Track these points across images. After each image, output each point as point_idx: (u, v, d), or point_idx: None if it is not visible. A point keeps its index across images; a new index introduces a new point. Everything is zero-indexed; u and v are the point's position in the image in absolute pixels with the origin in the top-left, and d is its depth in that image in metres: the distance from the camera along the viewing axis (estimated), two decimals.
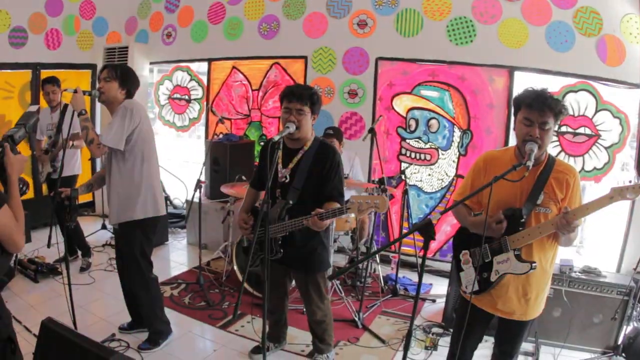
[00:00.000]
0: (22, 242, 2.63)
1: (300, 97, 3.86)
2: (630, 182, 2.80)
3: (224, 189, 6.61)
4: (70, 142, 6.07)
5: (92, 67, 9.54)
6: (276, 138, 3.50)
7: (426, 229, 2.53)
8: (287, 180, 3.99)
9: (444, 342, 5.01)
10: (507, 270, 3.18)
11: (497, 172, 2.91)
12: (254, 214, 4.30)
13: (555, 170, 3.16)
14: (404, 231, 7.07)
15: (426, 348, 5.00)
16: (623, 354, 4.86)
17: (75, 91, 4.15)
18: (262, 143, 8.43)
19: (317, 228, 3.72)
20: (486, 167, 3.35)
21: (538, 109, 2.99)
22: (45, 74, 9.10)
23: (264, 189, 4.10)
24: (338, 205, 3.74)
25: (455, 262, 3.58)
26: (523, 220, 3.14)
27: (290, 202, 3.91)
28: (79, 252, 6.76)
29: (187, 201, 8.33)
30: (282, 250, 4.02)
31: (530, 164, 2.90)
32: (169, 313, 5.04)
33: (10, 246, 2.57)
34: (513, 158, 3.23)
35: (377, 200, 3.48)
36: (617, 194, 2.82)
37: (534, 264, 3.11)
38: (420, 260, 5.64)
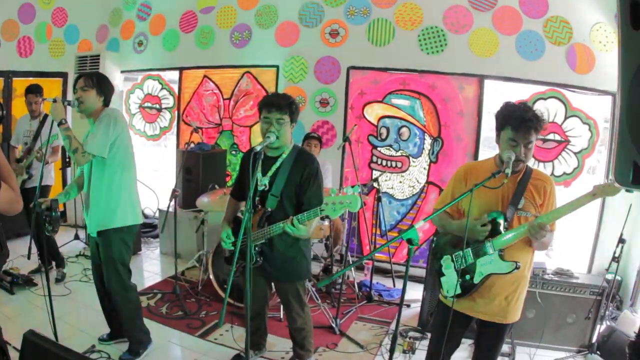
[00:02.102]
0: (21, 206, 2.77)
1: (280, 107, 3.74)
2: (610, 180, 2.85)
3: (198, 202, 6.37)
4: (44, 151, 5.80)
5: (63, 75, 9.12)
6: (258, 148, 3.36)
7: (412, 237, 2.54)
8: (266, 188, 3.87)
9: (422, 346, 4.97)
10: (492, 270, 3.18)
11: (477, 181, 2.98)
12: (235, 224, 4.18)
13: (534, 178, 3.25)
14: (377, 238, 6.94)
15: (404, 352, 4.95)
16: (598, 352, 4.87)
17: (55, 101, 4.01)
18: (233, 152, 8.26)
19: (294, 233, 3.61)
20: (466, 177, 3.37)
21: (524, 132, 3.04)
22: (17, 82, 8.78)
23: (244, 198, 4.07)
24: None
25: (435, 267, 3.55)
26: (506, 224, 3.17)
27: (269, 209, 3.81)
28: (53, 263, 6.45)
29: (158, 210, 8.14)
30: (261, 258, 3.91)
31: (509, 171, 2.93)
32: (147, 323, 4.83)
33: (12, 213, 2.73)
34: (493, 168, 3.22)
35: (350, 199, 3.36)
36: (599, 191, 2.91)
37: (518, 264, 3.12)
38: (394, 267, 5.39)
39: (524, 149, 3.07)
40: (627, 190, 2.18)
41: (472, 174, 3.34)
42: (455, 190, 3.40)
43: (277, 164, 3.88)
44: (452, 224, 3.42)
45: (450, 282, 3.36)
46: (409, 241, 2.55)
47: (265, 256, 3.92)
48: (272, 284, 4.43)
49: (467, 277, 3.27)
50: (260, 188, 3.88)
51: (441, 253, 3.51)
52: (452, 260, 3.38)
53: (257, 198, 3.89)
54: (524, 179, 3.23)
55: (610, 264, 5.09)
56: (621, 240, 5.04)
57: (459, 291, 3.28)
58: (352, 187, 3.23)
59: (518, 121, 3.04)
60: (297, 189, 3.83)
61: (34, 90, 6.25)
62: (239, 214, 4.29)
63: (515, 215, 3.19)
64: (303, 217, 3.56)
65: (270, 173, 3.87)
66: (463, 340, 3.63)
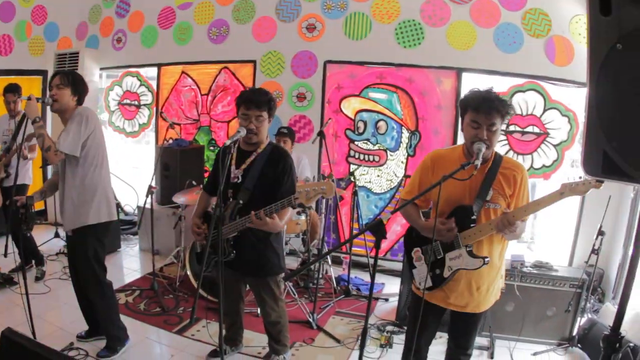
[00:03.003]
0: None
1: (259, 104, 3.72)
2: (580, 178, 2.80)
3: (175, 198, 6.29)
4: (25, 152, 5.88)
5: (42, 73, 8.94)
6: (227, 142, 3.40)
7: (377, 229, 2.50)
8: (239, 181, 3.84)
9: (399, 340, 4.92)
10: (460, 265, 3.12)
11: (445, 171, 2.84)
12: (206, 218, 4.13)
13: (503, 167, 3.12)
14: (355, 232, 6.81)
15: (381, 346, 4.90)
16: (579, 345, 4.84)
17: (29, 98, 3.95)
18: (212, 148, 8.12)
19: (262, 226, 3.58)
20: (434, 166, 3.26)
21: (485, 112, 2.93)
22: None
23: (216, 193, 4.02)
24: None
25: (407, 259, 3.48)
26: (474, 217, 3.08)
27: (241, 201, 3.77)
28: (33, 262, 6.33)
29: (138, 207, 7.95)
30: (234, 252, 3.85)
31: (478, 162, 2.83)
32: (125, 320, 4.76)
33: None
34: (461, 156, 3.15)
35: (324, 186, 3.34)
36: (567, 190, 2.82)
37: (486, 259, 3.06)
38: (372, 261, 5.23)
39: (487, 132, 2.94)
40: (597, 181, 2.24)
41: (439, 163, 3.23)
42: (422, 179, 3.30)
43: (252, 157, 3.85)
44: (418, 222, 3.33)
45: (421, 274, 3.29)
46: (376, 234, 2.51)
47: (237, 250, 3.85)
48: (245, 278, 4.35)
49: (437, 271, 3.21)
50: (233, 181, 3.85)
51: (412, 245, 3.41)
52: (422, 253, 3.31)
53: (230, 190, 3.85)
54: (493, 169, 3.10)
55: (589, 256, 5.03)
56: (600, 233, 4.97)
57: (430, 284, 3.23)
58: (327, 175, 3.15)
59: (478, 101, 2.95)
60: (271, 183, 3.78)
61: (12, 90, 6.13)
62: (209, 209, 4.23)
63: (483, 207, 3.09)
64: (274, 208, 3.51)
65: (244, 166, 3.84)
66: (440, 334, 3.60)
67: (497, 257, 3.20)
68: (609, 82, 1.81)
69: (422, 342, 3.44)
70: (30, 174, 6.55)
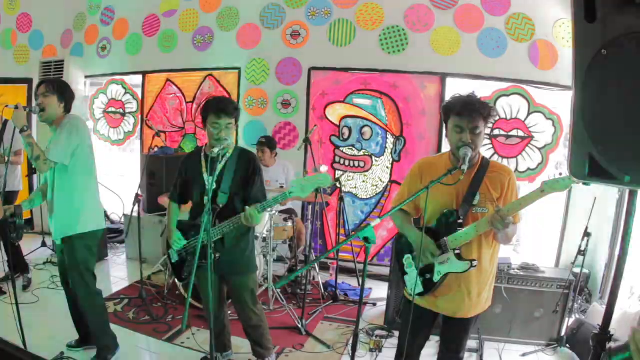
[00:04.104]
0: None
1: (228, 113, 3.77)
2: (560, 174, 2.82)
3: (161, 200, 6.32)
4: (6, 158, 5.67)
5: (28, 81, 8.80)
6: (216, 151, 3.56)
7: (368, 235, 2.50)
8: (214, 187, 3.88)
9: (388, 344, 5.01)
10: (449, 269, 3.12)
11: (433, 178, 2.87)
12: (182, 228, 4.15)
13: (490, 171, 3.12)
14: (341, 238, 6.73)
15: (371, 350, 4.92)
16: (567, 345, 4.89)
17: (17, 107, 3.85)
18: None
19: (250, 222, 3.64)
20: (422, 173, 3.27)
21: (467, 115, 2.93)
22: None
23: (185, 201, 4.21)
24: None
25: (398, 266, 3.47)
26: (461, 221, 3.08)
27: (220, 204, 3.83)
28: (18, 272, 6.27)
29: (124, 216, 7.92)
30: (217, 255, 3.89)
31: (465, 167, 2.83)
32: (115, 329, 4.71)
33: None
34: (448, 163, 3.15)
35: (320, 176, 3.49)
36: (548, 187, 2.84)
37: (474, 262, 3.05)
38: (360, 266, 5.17)
39: (471, 135, 2.94)
40: (584, 184, 2.16)
41: (427, 170, 3.22)
42: (411, 187, 3.29)
43: (222, 163, 3.90)
44: (408, 231, 3.32)
45: (412, 280, 3.28)
46: (366, 239, 2.51)
47: (219, 253, 3.90)
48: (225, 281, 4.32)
49: (427, 275, 3.22)
50: (207, 187, 3.86)
51: (402, 252, 3.41)
52: (412, 259, 3.30)
53: (205, 197, 3.85)
54: (480, 173, 3.10)
55: (576, 257, 5.05)
56: (587, 234, 4.99)
57: (421, 289, 3.24)
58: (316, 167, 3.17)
59: (460, 105, 2.96)
60: (243, 185, 3.90)
61: None
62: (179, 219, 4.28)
63: (470, 212, 3.09)
64: (269, 203, 3.62)
65: (217, 172, 3.87)
66: (431, 337, 3.56)
67: (487, 261, 3.19)
68: (594, 87, 1.83)
69: (414, 347, 3.44)
70: (20, 180, 6.50)
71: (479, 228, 2.99)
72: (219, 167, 3.88)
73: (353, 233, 2.57)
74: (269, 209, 3.95)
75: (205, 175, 3.89)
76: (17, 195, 6.40)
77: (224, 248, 3.88)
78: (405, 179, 3.42)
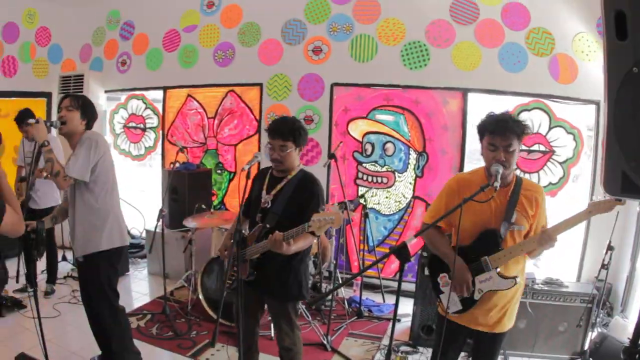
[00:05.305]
0: (23, 228, 2.95)
1: (282, 134, 3.82)
2: (604, 196, 2.88)
3: (186, 222, 6.30)
4: (43, 174, 5.78)
5: (47, 95, 9.00)
6: (246, 167, 3.57)
7: (402, 252, 2.60)
8: (268, 206, 3.92)
9: None
10: (492, 287, 3.22)
11: (469, 194, 2.94)
12: (234, 238, 4.14)
13: (524, 189, 3.23)
14: (366, 255, 6.85)
15: None
16: (590, 359, 4.89)
17: (37, 122, 3.88)
18: (219, 171, 8.20)
19: (278, 249, 3.60)
20: (459, 189, 3.33)
21: (500, 134, 3.05)
22: (1, 102, 8.65)
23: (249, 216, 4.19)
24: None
25: (432, 284, 3.57)
26: (501, 239, 3.19)
27: (268, 225, 3.83)
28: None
29: (145, 231, 8.02)
30: (255, 272, 3.91)
31: (497, 184, 2.94)
32: (138, 344, 4.79)
33: (15, 235, 2.88)
34: (483, 179, 3.24)
35: (332, 216, 3.39)
36: (594, 209, 2.97)
37: (517, 278, 3.20)
38: (384, 282, 5.27)
39: (505, 153, 3.06)
40: (616, 200, 2.39)
41: (463, 187, 3.30)
42: (448, 203, 3.35)
43: (282, 183, 3.93)
44: (440, 249, 3.43)
45: (450, 298, 3.35)
46: (404, 257, 2.60)
47: (260, 271, 3.91)
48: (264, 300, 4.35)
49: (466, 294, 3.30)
50: (263, 206, 3.94)
51: (437, 269, 3.51)
52: (449, 279, 3.37)
53: (259, 215, 3.94)
54: (515, 191, 3.21)
55: (599, 271, 5.07)
56: (610, 248, 5.01)
57: (459, 307, 3.34)
58: (338, 203, 3.20)
59: (494, 124, 3.09)
60: (297, 209, 3.82)
61: (30, 115, 5.98)
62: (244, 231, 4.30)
63: (508, 230, 3.19)
64: (290, 234, 3.56)
65: (274, 192, 3.92)
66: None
67: (521, 276, 3.33)
68: (627, 104, 1.86)
69: (452, 357, 3.57)
70: (57, 196, 6.56)
71: (525, 247, 3.15)
72: (278, 187, 3.91)
73: (390, 251, 2.69)
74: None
75: (263, 192, 3.95)
76: None
77: (266, 269, 3.89)
78: (439, 194, 3.49)
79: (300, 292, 4.09)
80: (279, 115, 7.34)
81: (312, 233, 3.55)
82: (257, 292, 4.08)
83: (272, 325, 5.09)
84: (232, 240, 4.09)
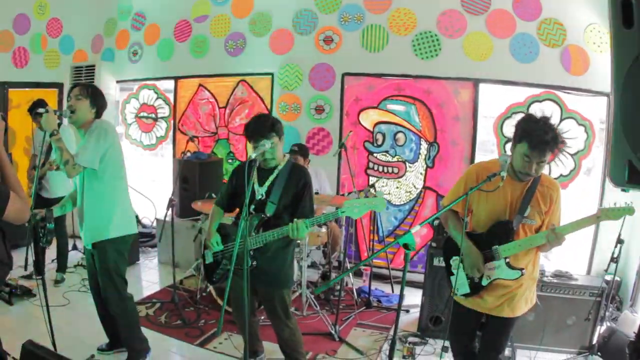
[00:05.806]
0: (28, 215, 2.98)
1: (263, 135, 3.83)
2: (615, 204, 3.04)
3: (195, 205, 6.38)
4: (54, 167, 5.96)
5: (59, 85, 9.07)
6: (253, 156, 3.62)
7: (408, 242, 2.61)
8: (263, 197, 3.98)
9: (421, 351, 5.05)
10: (499, 276, 3.36)
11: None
12: (220, 231, 4.23)
13: (541, 184, 3.32)
14: (375, 245, 6.87)
15: (404, 357, 4.94)
16: (599, 353, 4.90)
17: (46, 111, 3.89)
18: (230, 160, 8.28)
19: (296, 235, 3.67)
20: (478, 177, 3.38)
21: (539, 152, 3.07)
22: (13, 93, 8.75)
23: (231, 209, 4.30)
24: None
25: (445, 266, 3.73)
26: (513, 231, 3.31)
27: (268, 214, 3.91)
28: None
29: (156, 220, 8.11)
30: (255, 262, 3.91)
31: (504, 174, 3.02)
32: (146, 332, 4.81)
33: (20, 222, 2.88)
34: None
35: (376, 201, 3.53)
36: (604, 215, 3.09)
37: (523, 270, 3.33)
38: (393, 272, 5.32)
39: (536, 165, 3.13)
40: (622, 190, 2.28)
41: (483, 175, 3.30)
42: (466, 189, 3.36)
43: (274, 174, 3.99)
44: (461, 240, 3.44)
45: (459, 281, 3.51)
46: (406, 246, 2.60)
47: (257, 261, 3.94)
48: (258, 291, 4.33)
49: (476, 279, 3.45)
50: (257, 197, 3.98)
51: (450, 252, 3.66)
52: (461, 262, 3.50)
53: (252, 206, 3.97)
54: (532, 186, 3.29)
55: (609, 264, 5.05)
56: (619, 241, 4.99)
57: (467, 290, 3.50)
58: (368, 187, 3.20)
59: (536, 141, 3.06)
60: (292, 198, 3.95)
61: (43, 105, 6.00)
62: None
63: (521, 223, 3.29)
64: (318, 219, 3.76)
65: (267, 183, 3.98)
66: None
67: (531, 266, 3.43)
68: (633, 93, 1.89)
69: (464, 341, 3.73)
70: (68, 185, 6.41)
71: (534, 242, 3.25)
72: (270, 178, 3.96)
73: (394, 240, 2.74)
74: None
75: (256, 186, 3.99)
76: None
77: (263, 258, 3.93)
78: (459, 180, 3.58)
79: (292, 278, 4.34)
80: (290, 105, 7.55)
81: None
82: (253, 281, 4.01)
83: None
84: (217, 233, 4.22)
